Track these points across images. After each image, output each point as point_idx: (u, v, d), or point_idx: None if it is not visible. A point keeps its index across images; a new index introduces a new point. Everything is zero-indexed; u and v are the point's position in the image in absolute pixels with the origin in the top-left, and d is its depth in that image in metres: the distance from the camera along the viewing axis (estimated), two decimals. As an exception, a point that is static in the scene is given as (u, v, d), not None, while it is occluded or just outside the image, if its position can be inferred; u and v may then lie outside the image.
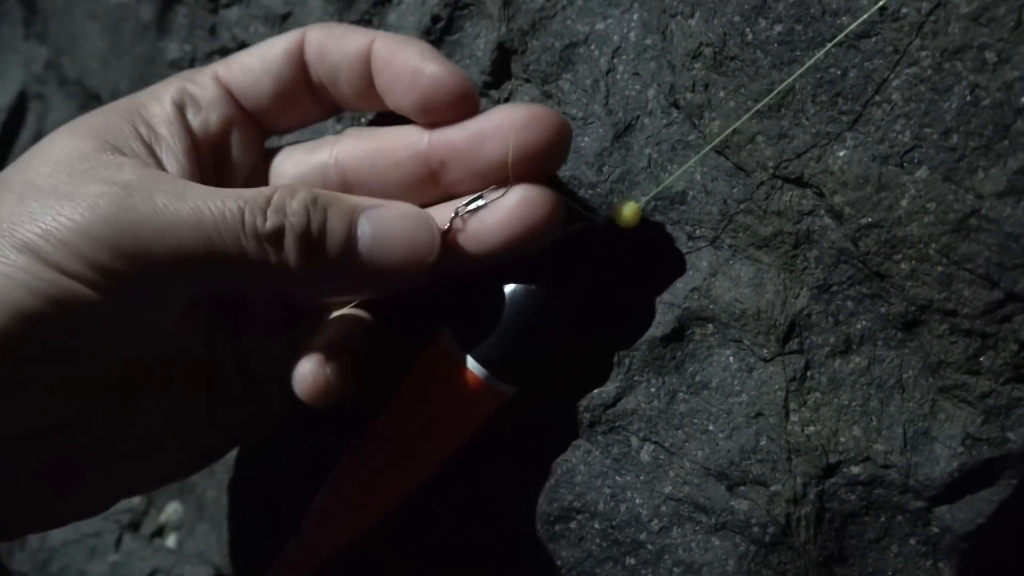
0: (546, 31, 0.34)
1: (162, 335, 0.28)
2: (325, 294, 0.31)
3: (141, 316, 0.26)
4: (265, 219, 0.25)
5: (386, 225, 0.27)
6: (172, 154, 0.29)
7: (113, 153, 0.27)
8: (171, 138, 0.29)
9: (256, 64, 0.31)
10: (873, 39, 0.27)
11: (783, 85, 0.28)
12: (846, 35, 0.27)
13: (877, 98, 0.27)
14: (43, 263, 0.24)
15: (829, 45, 0.27)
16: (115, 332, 0.25)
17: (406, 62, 0.29)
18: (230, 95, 0.32)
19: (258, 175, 0.32)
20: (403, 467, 0.30)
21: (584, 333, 0.31)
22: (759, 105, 0.28)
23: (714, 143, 0.30)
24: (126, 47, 0.48)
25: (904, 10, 0.26)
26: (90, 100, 0.52)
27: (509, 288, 0.29)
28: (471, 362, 0.28)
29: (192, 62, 0.45)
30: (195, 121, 0.31)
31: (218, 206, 0.25)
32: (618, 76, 0.32)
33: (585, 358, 0.31)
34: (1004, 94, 0.24)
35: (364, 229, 0.27)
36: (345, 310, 0.32)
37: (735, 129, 0.29)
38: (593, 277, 0.30)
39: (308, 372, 0.28)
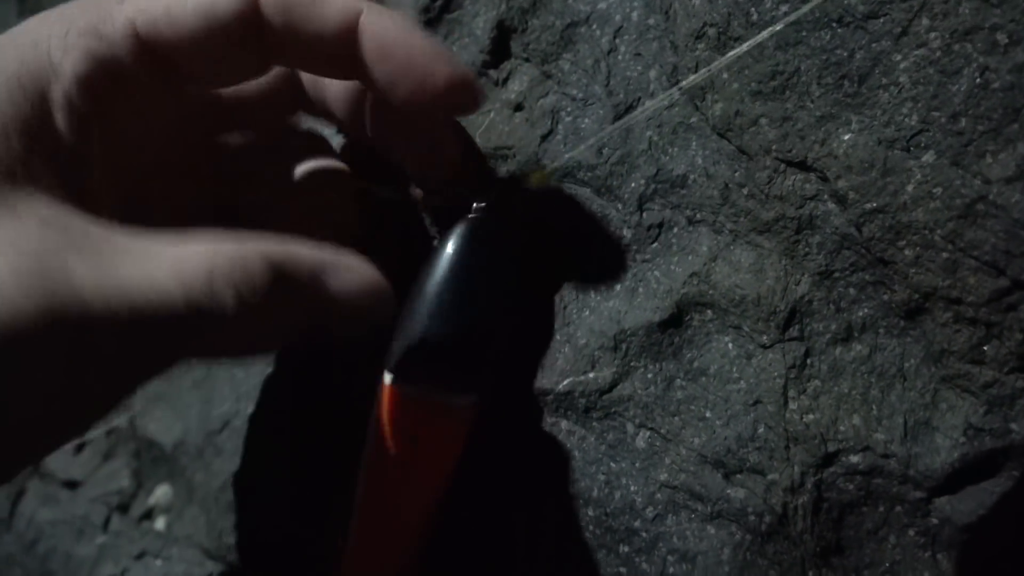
0: (547, 10, 0.33)
1: None
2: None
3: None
4: (213, 298, 0.22)
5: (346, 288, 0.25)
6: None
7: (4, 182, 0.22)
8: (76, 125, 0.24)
9: (194, 21, 0.25)
10: (881, 19, 0.26)
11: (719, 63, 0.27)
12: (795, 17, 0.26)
13: (884, 80, 0.26)
14: None
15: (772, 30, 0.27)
16: None
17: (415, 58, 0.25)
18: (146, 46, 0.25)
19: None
20: (410, 520, 0.30)
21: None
22: (689, 82, 0.28)
23: (644, 110, 0.29)
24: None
25: (914, -10, 0.25)
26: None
27: (428, 303, 0.28)
28: (405, 387, 0.28)
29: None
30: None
31: (154, 291, 0.21)
32: (619, 56, 0.32)
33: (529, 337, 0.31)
34: (1015, 76, 0.23)
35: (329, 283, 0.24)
36: None
37: (738, 112, 0.29)
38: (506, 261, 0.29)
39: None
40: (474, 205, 0.29)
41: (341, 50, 0.26)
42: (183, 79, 0.26)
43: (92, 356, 0.20)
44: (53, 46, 0.24)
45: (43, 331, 0.19)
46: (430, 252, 0.28)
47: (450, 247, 0.28)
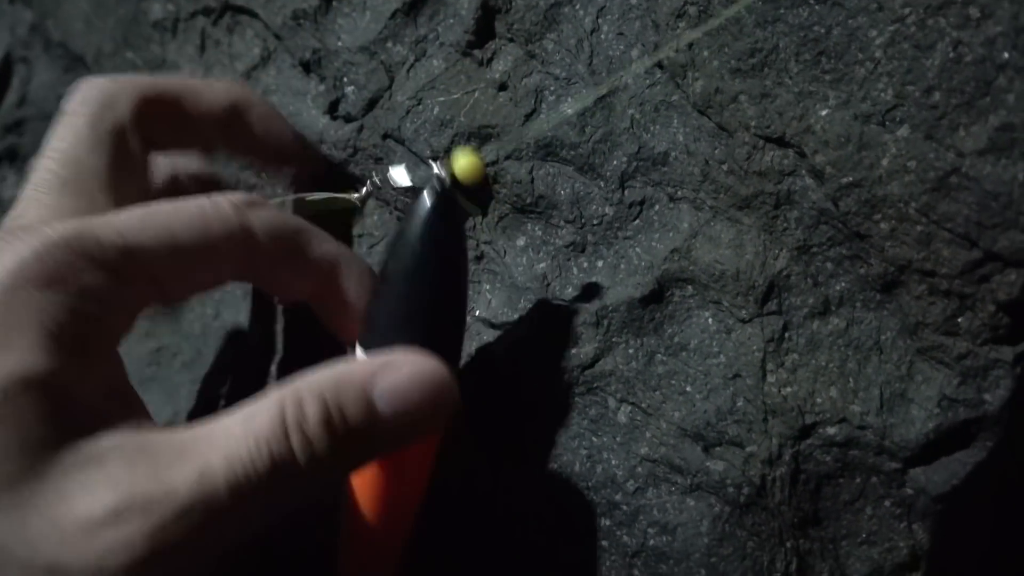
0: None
1: None
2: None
3: None
4: (289, 448, 0.23)
5: (401, 392, 0.24)
6: None
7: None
8: None
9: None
10: (857, -4, 0.26)
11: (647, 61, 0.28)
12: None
13: (860, 56, 0.26)
14: None
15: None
16: None
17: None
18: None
19: None
20: (398, 507, 0.29)
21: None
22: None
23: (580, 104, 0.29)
24: (110, 7, 0.48)
25: (889, -34, 0.26)
26: (74, 62, 0.51)
27: (394, 287, 0.27)
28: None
29: (176, 22, 0.44)
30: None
31: (238, 459, 0.22)
32: (602, 36, 0.32)
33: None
34: (987, 49, 0.24)
35: (382, 406, 0.24)
36: None
37: (718, 90, 0.29)
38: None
39: None
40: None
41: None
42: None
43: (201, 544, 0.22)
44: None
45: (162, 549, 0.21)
46: (394, 237, 0.28)
47: (412, 230, 0.27)
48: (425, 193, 0.26)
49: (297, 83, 0.39)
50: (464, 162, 0.26)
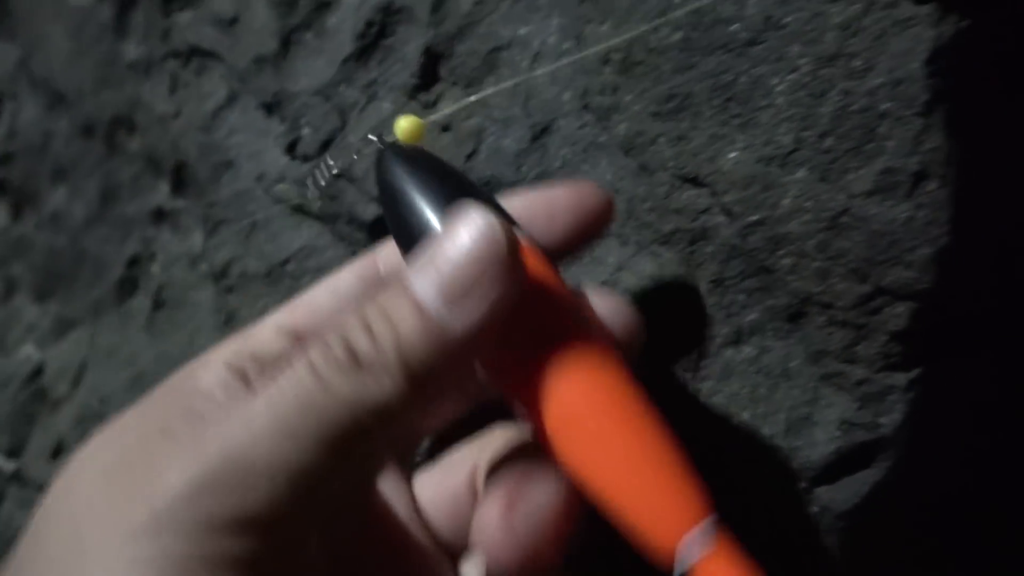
0: (472, 36, 0.36)
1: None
2: (447, 379, 0.22)
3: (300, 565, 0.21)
4: (330, 347, 0.21)
5: (439, 261, 0.22)
6: None
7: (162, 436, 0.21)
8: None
9: (326, 300, 0.26)
10: (760, 46, 0.28)
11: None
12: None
13: (764, 102, 0.28)
14: (180, 566, 0.19)
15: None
16: None
17: None
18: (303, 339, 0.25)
19: None
20: None
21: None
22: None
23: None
24: (88, 48, 0.50)
25: (787, 19, 0.27)
26: (57, 100, 0.54)
27: None
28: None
29: (148, 64, 0.46)
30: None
31: (285, 377, 0.21)
32: (537, 80, 0.34)
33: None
34: (869, 99, 0.26)
35: (421, 282, 0.22)
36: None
37: (640, 132, 0.31)
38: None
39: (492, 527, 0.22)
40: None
41: None
42: None
43: None
44: (206, 355, 0.24)
45: None
46: None
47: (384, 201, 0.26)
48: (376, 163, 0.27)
49: (260, 124, 0.41)
50: (405, 124, 0.27)
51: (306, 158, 0.38)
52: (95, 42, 0.49)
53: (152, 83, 0.46)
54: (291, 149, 0.39)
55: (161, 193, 0.48)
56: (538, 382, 0.22)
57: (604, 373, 0.23)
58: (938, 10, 0.24)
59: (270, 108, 0.40)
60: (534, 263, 0.24)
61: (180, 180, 0.46)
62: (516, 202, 0.26)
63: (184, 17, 0.44)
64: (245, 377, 0.22)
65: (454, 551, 0.27)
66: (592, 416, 0.22)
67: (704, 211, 0.30)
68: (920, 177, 0.25)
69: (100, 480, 0.21)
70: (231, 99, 0.42)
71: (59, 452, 0.50)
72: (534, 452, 0.24)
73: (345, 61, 0.38)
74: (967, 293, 0.26)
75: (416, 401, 0.21)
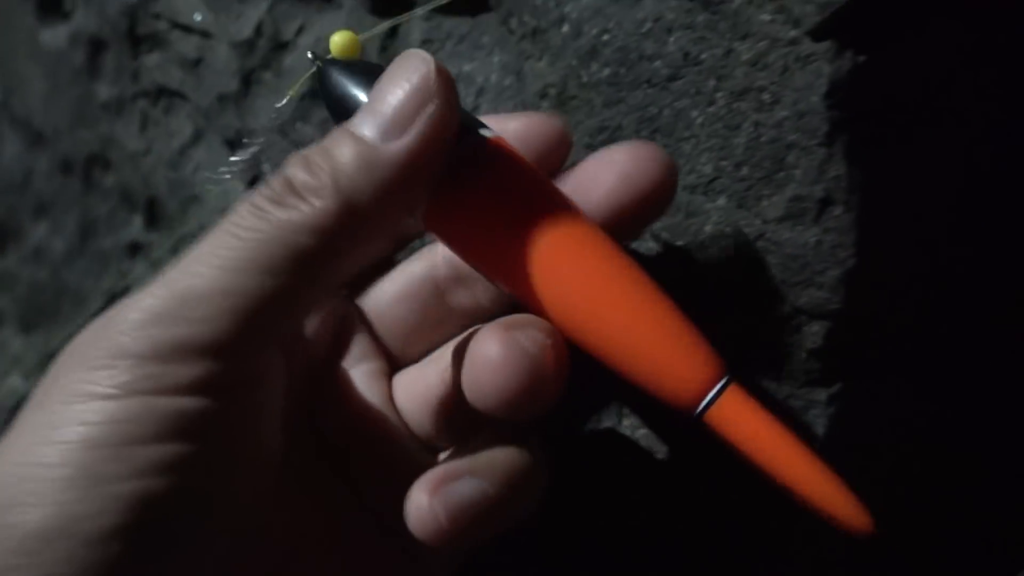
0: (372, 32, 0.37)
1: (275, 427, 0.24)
2: (382, 204, 0.23)
3: (251, 405, 0.23)
4: (269, 186, 0.22)
5: (372, 98, 0.23)
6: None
7: None
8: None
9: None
10: (680, 81, 0.30)
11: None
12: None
13: (686, 134, 0.30)
14: (125, 399, 0.20)
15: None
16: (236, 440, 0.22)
17: None
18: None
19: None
20: None
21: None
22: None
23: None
24: (64, 89, 0.52)
25: (703, 55, 0.29)
26: (36, 138, 0.56)
27: None
28: None
29: (120, 104, 0.48)
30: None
31: (227, 217, 0.22)
32: (481, 113, 0.36)
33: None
34: (777, 131, 0.27)
35: (357, 119, 0.23)
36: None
37: (575, 163, 0.32)
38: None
39: (493, 351, 0.23)
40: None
41: None
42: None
43: None
44: None
45: None
46: None
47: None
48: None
49: (224, 160, 0.43)
50: (338, 39, 0.27)
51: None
52: (70, 83, 0.51)
53: (124, 122, 0.48)
54: (252, 184, 0.41)
55: (135, 227, 0.49)
56: (531, 262, 0.23)
57: (595, 245, 0.24)
58: (835, 46, 0.26)
59: (233, 145, 0.42)
60: (505, 149, 0.25)
61: (152, 214, 0.48)
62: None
63: (152, 59, 0.46)
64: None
65: (431, 445, 0.28)
66: (592, 285, 0.23)
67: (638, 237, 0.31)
68: (826, 203, 0.27)
69: (74, 344, 0.22)
70: (197, 136, 0.44)
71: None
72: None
73: (302, 98, 0.39)
74: (878, 312, 0.28)
75: (352, 225, 0.22)
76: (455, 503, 0.23)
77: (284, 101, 0.29)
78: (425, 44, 0.37)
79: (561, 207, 0.24)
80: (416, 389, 0.29)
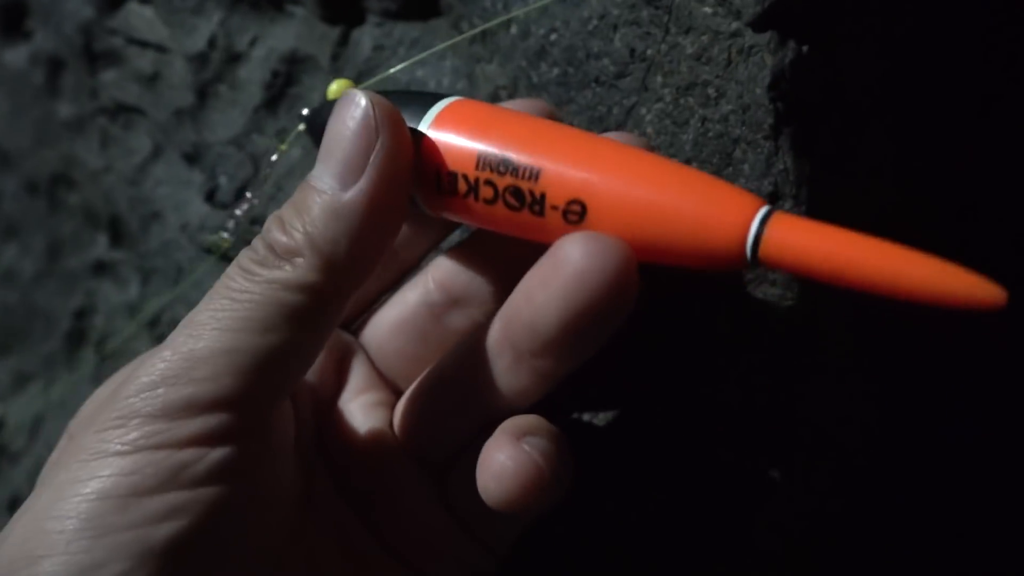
0: (372, 80, 0.37)
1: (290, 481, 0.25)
2: (358, 252, 0.23)
3: (254, 453, 0.23)
4: (252, 248, 0.23)
5: (323, 149, 0.24)
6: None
7: None
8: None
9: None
10: (628, 78, 0.29)
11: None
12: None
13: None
14: (135, 454, 0.21)
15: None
16: (242, 486, 0.23)
17: None
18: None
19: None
20: None
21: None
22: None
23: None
24: (26, 109, 0.51)
25: (649, 51, 0.28)
26: (2, 159, 0.55)
27: None
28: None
29: (80, 122, 0.48)
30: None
31: (219, 283, 0.23)
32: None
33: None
34: (723, 125, 0.27)
35: (315, 172, 0.23)
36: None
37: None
38: None
39: (502, 459, 0.23)
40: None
41: None
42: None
43: None
44: None
45: None
46: None
47: None
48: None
49: (183, 174, 0.42)
50: (335, 87, 0.27)
51: (224, 206, 0.39)
52: (31, 103, 0.50)
53: (84, 139, 0.48)
54: (210, 198, 0.40)
55: (100, 246, 0.49)
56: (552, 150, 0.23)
57: (587, 134, 0.23)
58: (776, 37, 0.25)
59: (191, 159, 0.42)
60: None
61: (116, 232, 0.47)
62: None
63: (109, 75, 0.45)
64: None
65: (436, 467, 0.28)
66: (609, 161, 0.22)
67: (589, 239, 0.31)
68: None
69: (91, 403, 0.25)
70: (156, 152, 0.44)
71: (14, 505, 0.51)
72: None
73: (256, 110, 0.39)
74: (834, 306, 0.27)
75: (335, 275, 0.23)
76: (543, 449, 0.23)
77: (275, 157, 0.29)
78: (377, 50, 0.37)
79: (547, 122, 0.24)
80: (395, 317, 0.29)
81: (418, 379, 0.28)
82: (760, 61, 0.26)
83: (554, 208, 0.22)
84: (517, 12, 0.31)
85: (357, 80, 0.27)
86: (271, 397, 0.23)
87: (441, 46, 0.32)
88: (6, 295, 0.58)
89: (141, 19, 0.43)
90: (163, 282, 0.43)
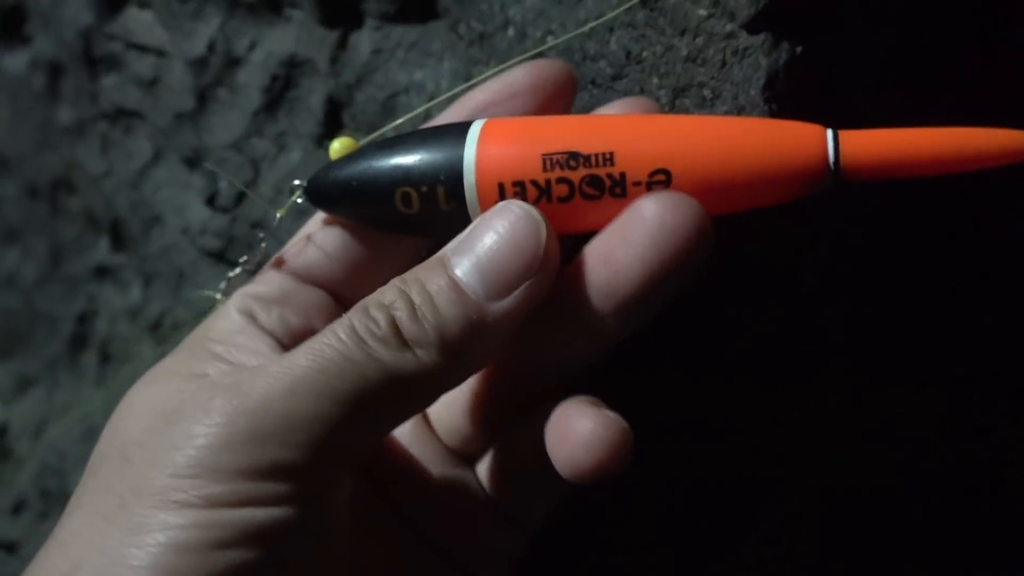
0: (370, 83, 0.37)
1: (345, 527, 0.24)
2: (479, 358, 0.24)
3: (327, 508, 0.23)
4: (374, 319, 0.22)
5: (480, 248, 0.23)
6: (255, 356, 0.25)
7: (200, 380, 0.24)
8: (250, 343, 0.25)
9: (315, 233, 0.28)
10: (624, 80, 0.29)
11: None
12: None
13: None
14: (210, 509, 0.21)
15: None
16: (311, 539, 0.22)
17: None
18: (302, 280, 0.27)
19: None
20: None
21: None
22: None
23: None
24: (26, 114, 0.52)
25: (644, 54, 0.29)
26: (2, 164, 0.55)
27: None
28: None
29: (81, 126, 0.48)
30: (268, 320, 0.26)
31: (328, 340, 0.22)
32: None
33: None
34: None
35: (462, 266, 0.23)
36: None
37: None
38: None
39: (591, 427, 0.23)
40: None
41: None
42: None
43: None
44: (223, 306, 0.27)
45: None
46: None
47: None
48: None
49: (184, 178, 0.43)
50: (338, 146, 0.27)
51: (224, 210, 0.40)
52: (31, 108, 0.51)
53: (85, 144, 0.48)
54: (211, 201, 0.40)
55: (102, 250, 0.49)
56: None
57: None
58: (770, 38, 0.25)
59: (191, 163, 0.42)
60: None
61: (117, 236, 0.48)
62: (479, 96, 0.28)
63: (109, 80, 0.45)
64: (254, 319, 0.26)
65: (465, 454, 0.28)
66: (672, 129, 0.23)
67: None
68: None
69: (149, 420, 0.23)
70: (156, 156, 0.44)
71: (19, 509, 0.51)
72: None
73: (255, 114, 0.39)
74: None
75: (449, 373, 0.23)
76: (615, 420, 0.23)
77: (277, 218, 0.29)
78: (375, 53, 0.37)
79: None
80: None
81: None
82: (755, 62, 0.26)
83: (636, 184, 0.23)
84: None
85: (357, 137, 0.27)
86: (346, 469, 0.23)
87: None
88: (9, 299, 0.59)
89: (140, 24, 0.43)
90: (165, 286, 0.43)
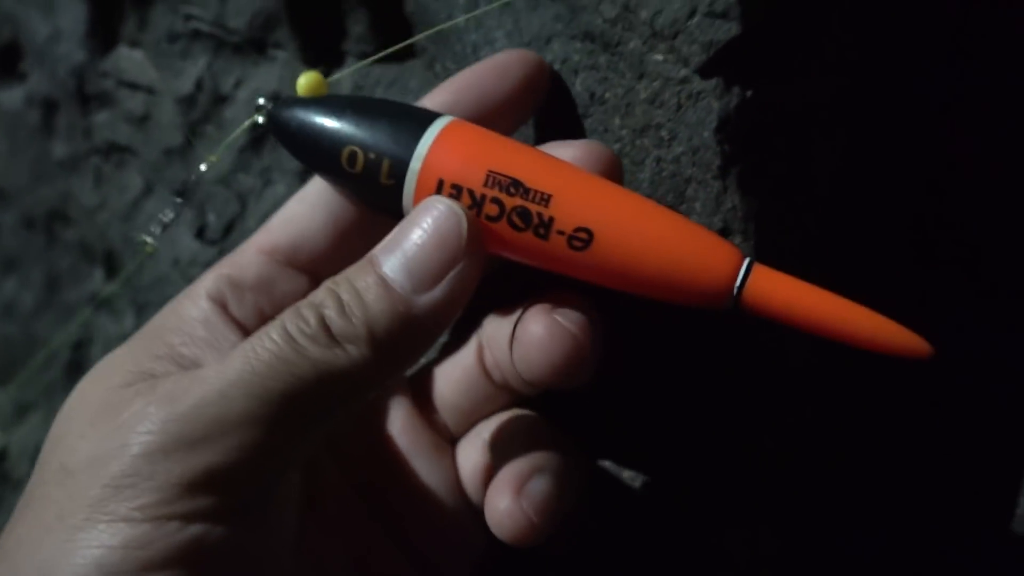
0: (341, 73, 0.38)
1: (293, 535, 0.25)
2: (410, 351, 0.25)
3: (267, 520, 0.24)
4: (304, 319, 0.23)
5: (407, 245, 0.24)
6: (211, 352, 0.25)
7: (143, 381, 0.24)
8: (210, 335, 0.25)
9: (299, 210, 0.28)
10: (589, 120, 0.31)
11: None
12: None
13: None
14: (144, 523, 0.21)
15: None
16: (248, 557, 0.23)
17: None
18: (283, 262, 0.28)
19: None
20: None
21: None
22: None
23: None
24: (22, 147, 0.53)
25: (607, 95, 0.30)
26: (0, 196, 0.57)
27: None
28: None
29: (75, 161, 0.49)
30: (240, 310, 0.26)
31: (260, 342, 0.22)
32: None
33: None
34: (676, 166, 0.28)
35: (389, 263, 0.24)
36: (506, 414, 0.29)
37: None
38: None
39: (503, 508, 0.25)
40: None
41: None
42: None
43: None
44: (194, 285, 0.27)
45: None
46: None
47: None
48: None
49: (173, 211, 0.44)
50: (304, 81, 0.27)
51: (213, 242, 0.41)
52: (27, 142, 0.52)
53: (79, 177, 0.49)
54: (200, 234, 0.42)
55: (96, 280, 0.50)
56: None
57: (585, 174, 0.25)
58: (722, 83, 0.27)
59: (182, 196, 0.43)
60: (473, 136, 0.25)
61: (111, 267, 0.49)
62: (446, 91, 0.28)
63: (102, 116, 0.47)
64: (225, 307, 0.26)
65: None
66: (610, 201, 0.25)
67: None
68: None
69: (87, 426, 0.23)
70: (147, 190, 0.45)
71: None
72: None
73: (242, 150, 0.41)
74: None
75: (381, 371, 0.24)
76: (540, 499, 0.25)
77: (203, 167, 0.30)
78: (356, 90, 0.38)
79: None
80: (453, 374, 0.29)
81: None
82: (707, 106, 0.27)
83: (560, 233, 0.24)
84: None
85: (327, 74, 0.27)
86: (284, 472, 0.24)
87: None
88: (7, 327, 0.60)
89: (131, 62, 0.45)
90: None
